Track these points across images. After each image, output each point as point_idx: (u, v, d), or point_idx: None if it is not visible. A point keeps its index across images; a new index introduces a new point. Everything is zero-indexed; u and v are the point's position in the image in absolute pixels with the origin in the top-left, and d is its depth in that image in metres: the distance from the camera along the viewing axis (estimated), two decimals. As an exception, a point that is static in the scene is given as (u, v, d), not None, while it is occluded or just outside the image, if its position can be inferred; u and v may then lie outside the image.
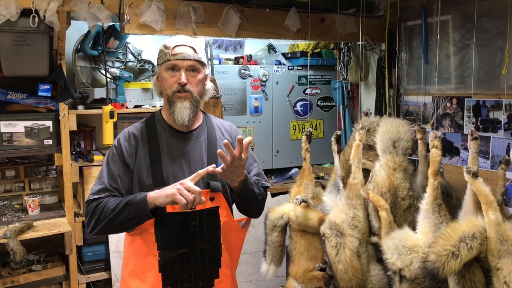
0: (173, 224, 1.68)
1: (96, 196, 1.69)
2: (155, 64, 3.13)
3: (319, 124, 3.60)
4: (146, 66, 3.14)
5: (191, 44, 1.73)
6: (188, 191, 1.53)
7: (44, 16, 2.26)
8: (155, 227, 1.67)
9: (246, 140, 1.57)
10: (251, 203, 1.79)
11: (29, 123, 2.68)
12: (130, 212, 1.60)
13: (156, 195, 1.59)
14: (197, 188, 1.54)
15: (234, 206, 1.85)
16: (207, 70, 1.81)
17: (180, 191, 1.53)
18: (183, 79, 1.68)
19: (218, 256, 1.76)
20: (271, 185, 1.96)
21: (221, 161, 1.61)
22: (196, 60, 1.72)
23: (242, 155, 1.58)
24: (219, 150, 1.58)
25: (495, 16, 2.44)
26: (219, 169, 1.61)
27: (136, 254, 1.73)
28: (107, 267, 2.90)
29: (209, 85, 1.83)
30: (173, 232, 1.68)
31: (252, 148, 3.32)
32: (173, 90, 1.70)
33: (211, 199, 1.72)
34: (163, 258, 1.68)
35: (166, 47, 1.73)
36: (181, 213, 1.67)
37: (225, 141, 1.57)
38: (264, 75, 3.33)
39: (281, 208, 2.41)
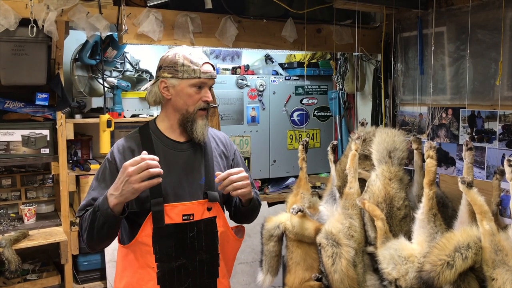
0: (171, 235, 1.67)
1: (82, 213, 1.68)
2: (153, 73, 3.19)
3: (316, 133, 3.62)
4: (144, 75, 3.16)
5: (211, 61, 1.78)
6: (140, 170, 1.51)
7: (43, 26, 2.27)
8: (152, 239, 1.66)
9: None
10: (254, 211, 1.88)
11: (26, 132, 2.68)
12: (99, 218, 1.56)
13: (114, 192, 1.54)
14: (145, 157, 1.53)
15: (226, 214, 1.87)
16: None
17: (134, 178, 1.50)
18: (210, 97, 1.74)
19: (216, 266, 1.76)
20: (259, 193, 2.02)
21: (217, 169, 1.71)
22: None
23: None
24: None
25: (489, 28, 2.47)
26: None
27: (132, 266, 1.71)
28: (102, 277, 2.89)
29: None
30: (171, 244, 1.67)
31: (248, 158, 3.34)
32: (197, 107, 1.73)
33: (209, 209, 1.72)
34: (161, 270, 1.67)
35: (192, 62, 1.69)
36: (178, 224, 1.67)
37: (217, 175, 1.66)
38: (261, 85, 3.35)
39: (278, 217, 2.41)
